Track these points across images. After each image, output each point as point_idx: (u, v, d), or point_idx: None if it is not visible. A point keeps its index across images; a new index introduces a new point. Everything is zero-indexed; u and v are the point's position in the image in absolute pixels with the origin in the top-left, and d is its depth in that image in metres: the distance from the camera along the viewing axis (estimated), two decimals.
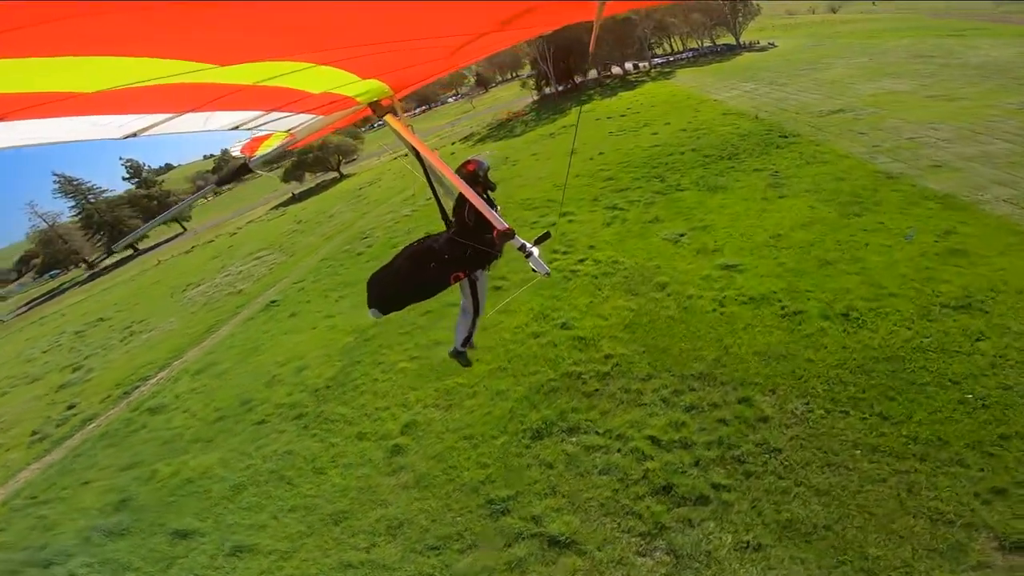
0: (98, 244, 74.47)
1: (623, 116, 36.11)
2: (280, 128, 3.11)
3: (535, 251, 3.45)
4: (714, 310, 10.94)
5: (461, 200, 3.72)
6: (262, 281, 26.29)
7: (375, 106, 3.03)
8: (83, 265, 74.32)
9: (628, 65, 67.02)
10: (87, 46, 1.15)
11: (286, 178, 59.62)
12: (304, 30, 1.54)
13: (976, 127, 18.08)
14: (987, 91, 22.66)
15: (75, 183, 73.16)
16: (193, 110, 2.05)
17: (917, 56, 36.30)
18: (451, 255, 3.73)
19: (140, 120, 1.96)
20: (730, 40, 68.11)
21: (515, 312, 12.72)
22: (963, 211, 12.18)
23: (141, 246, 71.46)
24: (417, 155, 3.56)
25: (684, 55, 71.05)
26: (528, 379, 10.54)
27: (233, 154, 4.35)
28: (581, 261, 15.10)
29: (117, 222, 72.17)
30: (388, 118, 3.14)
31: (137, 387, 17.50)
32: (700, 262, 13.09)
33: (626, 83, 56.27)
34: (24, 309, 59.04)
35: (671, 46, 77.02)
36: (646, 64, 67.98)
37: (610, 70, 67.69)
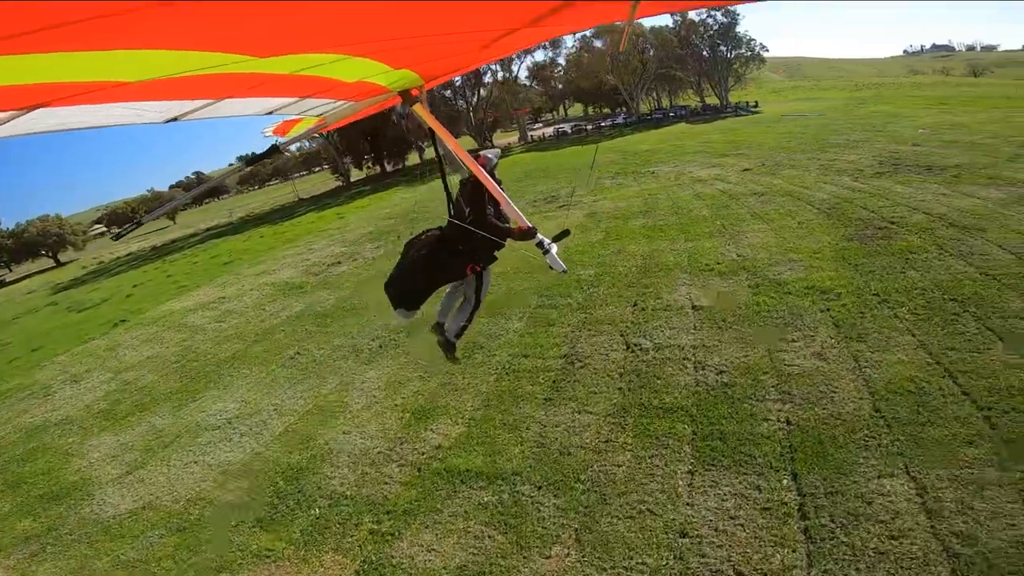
0: None
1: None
2: (312, 113, 3.24)
3: (554, 248, 3.33)
4: None
5: (475, 192, 3.61)
6: None
7: (404, 94, 2.91)
8: None
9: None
10: (137, 41, 1.16)
11: None
12: (341, 24, 1.48)
13: None
14: None
15: None
16: (231, 96, 2.14)
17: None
18: (465, 246, 3.60)
19: (181, 106, 2.02)
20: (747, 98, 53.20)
21: None
22: None
23: None
24: (435, 144, 3.54)
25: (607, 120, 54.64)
26: None
27: (265, 134, 4.12)
28: None
29: None
30: (416, 107, 3.00)
31: None
32: None
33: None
34: None
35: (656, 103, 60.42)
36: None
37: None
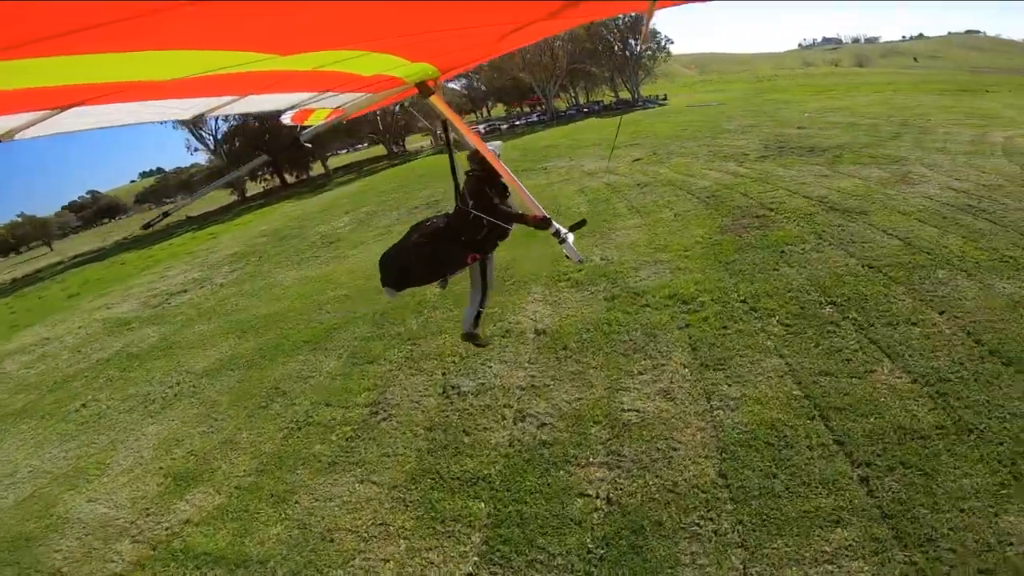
0: None
1: None
2: (330, 105, 3.27)
3: (570, 237, 3.31)
4: None
5: (481, 181, 3.54)
6: None
7: (421, 86, 2.85)
8: None
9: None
10: (167, 41, 1.20)
11: None
12: (361, 22, 1.53)
13: None
14: None
15: None
16: (255, 93, 2.14)
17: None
18: (468, 236, 3.53)
19: (207, 102, 2.08)
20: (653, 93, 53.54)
21: None
22: None
23: None
24: (446, 133, 3.55)
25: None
26: None
27: (284, 123, 4.00)
28: None
29: None
30: (433, 98, 2.91)
31: None
32: None
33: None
34: None
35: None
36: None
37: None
